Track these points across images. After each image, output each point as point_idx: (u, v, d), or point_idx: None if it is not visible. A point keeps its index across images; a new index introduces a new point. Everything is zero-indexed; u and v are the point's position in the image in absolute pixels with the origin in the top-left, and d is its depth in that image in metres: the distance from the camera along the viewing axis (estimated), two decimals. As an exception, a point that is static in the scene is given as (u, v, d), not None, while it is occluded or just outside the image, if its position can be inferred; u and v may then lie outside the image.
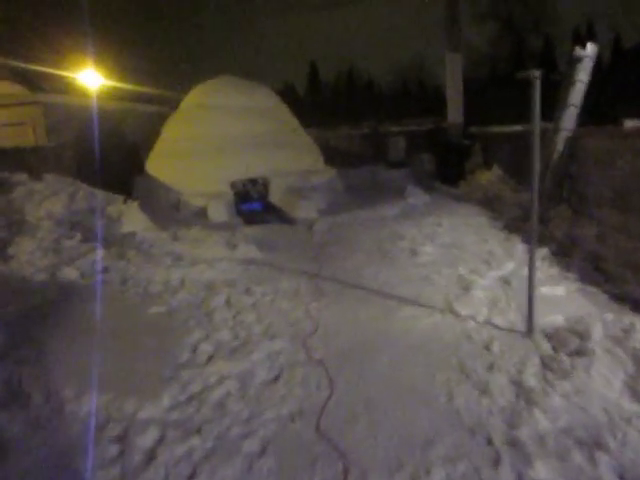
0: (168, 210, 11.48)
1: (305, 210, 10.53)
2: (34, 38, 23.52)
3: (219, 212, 10.33)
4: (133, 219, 8.70)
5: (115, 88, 15.68)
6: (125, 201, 9.13)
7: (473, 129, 16.56)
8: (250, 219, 10.26)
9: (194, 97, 13.03)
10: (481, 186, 13.37)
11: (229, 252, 7.63)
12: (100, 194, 9.83)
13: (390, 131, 18.38)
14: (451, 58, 15.59)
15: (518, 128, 12.30)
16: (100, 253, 7.27)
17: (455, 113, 15.92)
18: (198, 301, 5.58)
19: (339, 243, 7.98)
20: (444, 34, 15.71)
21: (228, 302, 5.50)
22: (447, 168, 14.88)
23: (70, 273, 6.26)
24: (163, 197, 11.74)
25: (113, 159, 14.71)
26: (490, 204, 11.16)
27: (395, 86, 32.39)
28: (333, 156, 16.03)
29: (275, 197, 11.63)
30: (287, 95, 25.31)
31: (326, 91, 38.00)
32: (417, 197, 11.91)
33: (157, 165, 12.35)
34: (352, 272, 6.46)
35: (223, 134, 12.22)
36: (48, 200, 9.20)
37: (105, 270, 6.64)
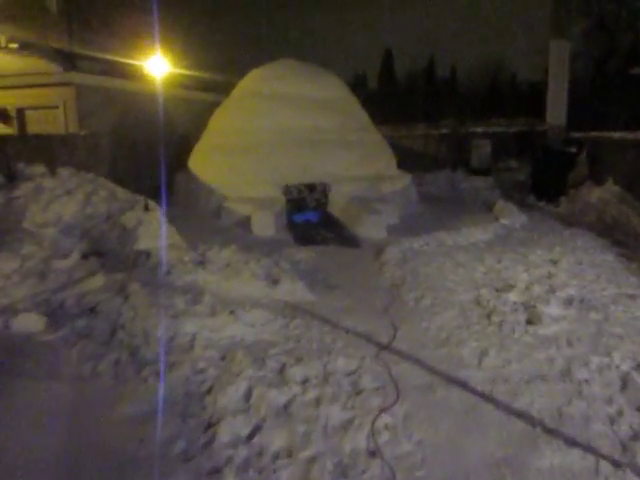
0: (208, 216, 9.64)
1: (372, 227, 8.38)
2: (85, 15, 22.44)
3: (266, 225, 8.34)
4: (153, 231, 6.85)
5: (167, 72, 14.05)
6: (147, 207, 7.28)
7: (577, 134, 13.85)
8: (303, 236, 8.21)
9: (248, 83, 11.11)
10: (591, 206, 10.77)
11: (268, 290, 5.61)
12: (125, 195, 8.07)
13: (474, 132, 15.89)
14: (556, 47, 12.95)
15: (652, 135, 9.66)
16: (97, 282, 5.43)
17: (557, 113, 13.28)
18: (201, 390, 3.56)
19: (419, 285, 5.78)
20: (550, 19, 13.10)
21: (247, 397, 3.46)
22: (545, 180, 12.30)
23: (33, 322, 4.40)
24: (203, 200, 9.91)
25: (159, 153, 13.08)
26: (610, 232, 8.66)
27: (481, 81, 29.10)
28: (406, 158, 13.80)
29: (335, 208, 9.55)
30: (357, 87, 23.13)
31: (402, 84, 34.90)
32: (512, 217, 9.52)
33: (201, 162, 10.55)
34: (442, 346, 4.27)
35: (279, 128, 10.24)
36: (58, 201, 7.51)
37: (92, 312, 4.76)
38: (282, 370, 3.82)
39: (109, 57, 13.30)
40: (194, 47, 21.08)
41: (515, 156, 15.47)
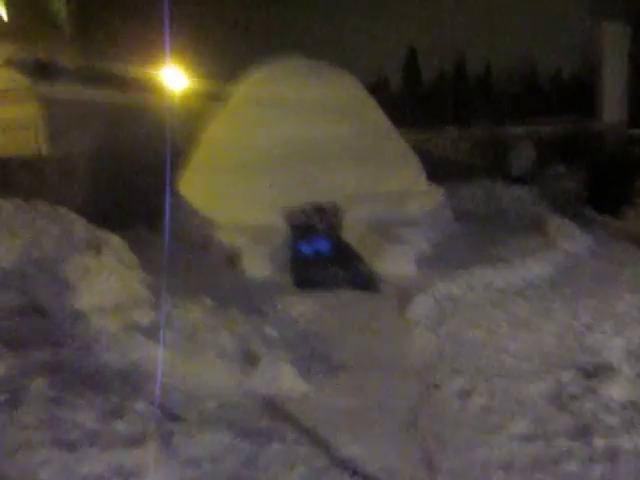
0: (196, 249, 7.96)
1: (397, 262, 6.55)
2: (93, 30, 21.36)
3: (260, 263, 6.57)
4: (102, 283, 5.16)
5: (171, 81, 12.53)
6: (99, 248, 5.62)
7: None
8: (306, 277, 6.39)
9: (246, 88, 9.42)
10: (671, 220, 8.73)
11: (241, 377, 3.85)
12: (84, 232, 6.44)
13: (513, 134, 13.88)
14: (612, 29, 10.94)
15: None
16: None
17: (615, 108, 11.25)
18: None
19: (464, 365, 3.90)
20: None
21: None
22: (606, 188, 10.26)
23: None
24: (193, 229, 8.23)
25: (153, 174, 11.50)
26: None
27: (520, 77, 26.56)
28: (434, 167, 11.96)
29: (351, 235, 7.75)
30: (379, 90, 21.28)
31: (429, 83, 32.44)
32: (574, 240, 7.54)
33: (191, 183, 8.89)
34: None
35: (281, 140, 8.52)
36: (-5, 243, 5.94)
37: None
38: None
39: (95, 65, 11.90)
40: (205, 53, 19.62)
41: (563, 160, 13.39)
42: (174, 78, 16.26)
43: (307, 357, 4.21)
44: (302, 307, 5.35)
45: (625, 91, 11.18)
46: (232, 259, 7.03)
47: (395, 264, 6.50)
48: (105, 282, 5.17)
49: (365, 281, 6.14)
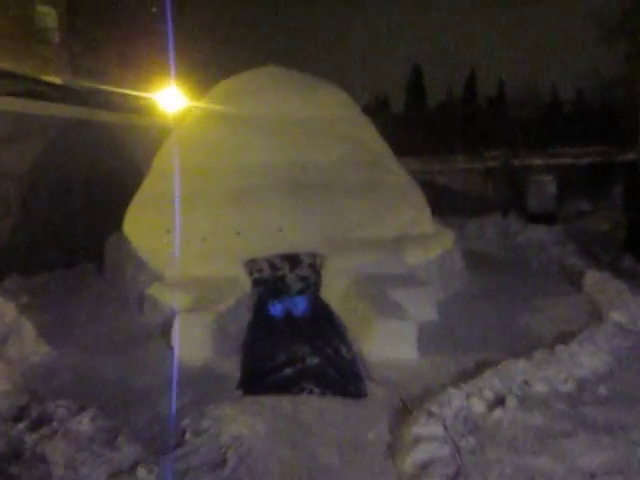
0: (131, 305, 6.13)
1: (392, 344, 4.69)
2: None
3: (197, 340, 4.69)
4: None
5: (116, 92, 10.90)
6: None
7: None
8: (259, 367, 4.48)
9: (211, 101, 7.67)
10: None
11: None
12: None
13: (530, 165, 12.14)
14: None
15: None
16: None
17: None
18: None
19: None
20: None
21: None
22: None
23: None
24: (130, 279, 6.43)
25: (104, 200, 9.75)
26: None
27: (537, 100, 24.66)
28: (440, 201, 10.21)
29: (333, 293, 5.90)
30: (377, 111, 19.68)
31: (434, 106, 30.37)
32: (627, 308, 5.69)
33: (136, 219, 7.11)
34: None
35: (249, 167, 6.75)
36: None
37: None
38: None
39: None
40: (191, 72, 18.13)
41: (588, 196, 11.65)
42: (160, 97, 14.68)
43: None
44: (238, 428, 3.45)
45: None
46: (171, 325, 5.17)
47: (390, 347, 4.64)
48: None
49: (347, 374, 4.26)
